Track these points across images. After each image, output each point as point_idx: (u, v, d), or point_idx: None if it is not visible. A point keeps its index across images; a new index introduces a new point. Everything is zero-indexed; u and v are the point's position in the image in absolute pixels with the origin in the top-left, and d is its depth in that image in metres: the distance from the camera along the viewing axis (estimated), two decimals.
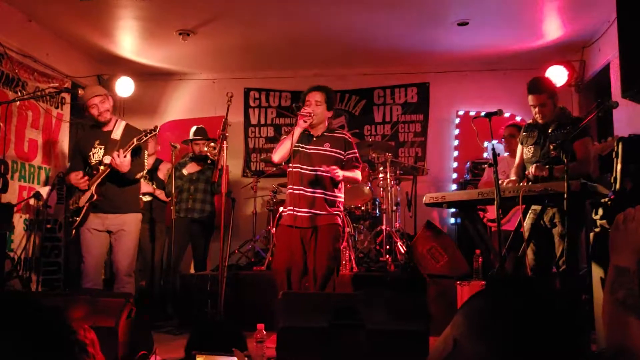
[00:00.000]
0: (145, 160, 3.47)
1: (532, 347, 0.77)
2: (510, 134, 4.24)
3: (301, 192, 3.17)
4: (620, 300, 0.99)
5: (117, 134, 3.38)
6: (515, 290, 0.85)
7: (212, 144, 4.41)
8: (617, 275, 1.03)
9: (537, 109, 3.15)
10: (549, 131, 3.15)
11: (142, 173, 3.44)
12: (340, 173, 3.11)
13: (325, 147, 3.20)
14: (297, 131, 3.16)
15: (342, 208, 3.29)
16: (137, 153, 3.32)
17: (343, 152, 3.23)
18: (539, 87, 3.15)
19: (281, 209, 4.00)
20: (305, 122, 3.13)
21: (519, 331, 0.78)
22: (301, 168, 3.19)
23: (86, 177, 3.31)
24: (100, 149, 3.37)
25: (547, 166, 2.97)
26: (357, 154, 3.31)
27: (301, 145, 3.21)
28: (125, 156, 3.18)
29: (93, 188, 3.30)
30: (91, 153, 3.38)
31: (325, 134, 3.25)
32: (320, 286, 3.07)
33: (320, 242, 3.10)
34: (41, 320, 1.58)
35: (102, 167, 3.30)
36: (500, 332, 0.79)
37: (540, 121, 3.18)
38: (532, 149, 3.21)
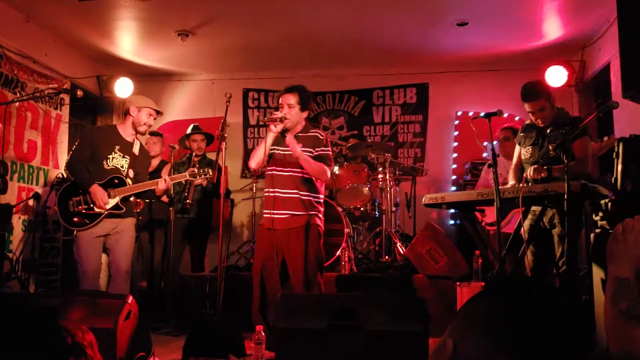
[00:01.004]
0: None
1: (534, 350, 0.76)
2: (505, 137, 4.22)
3: (276, 194, 3.15)
4: (624, 311, 0.98)
5: (136, 150, 3.43)
6: (516, 291, 0.84)
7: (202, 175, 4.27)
8: (618, 286, 1.02)
9: (536, 114, 3.11)
10: (547, 131, 3.14)
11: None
12: (298, 148, 3.03)
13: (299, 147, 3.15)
14: (271, 137, 3.12)
15: (321, 208, 3.21)
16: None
17: (313, 150, 3.14)
18: (535, 92, 3.10)
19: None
20: (275, 127, 3.09)
21: (521, 334, 0.77)
22: (276, 170, 3.17)
23: (109, 201, 3.26)
24: (121, 156, 3.35)
25: (545, 167, 2.96)
26: (329, 153, 3.19)
27: (276, 147, 3.20)
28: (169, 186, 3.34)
29: (119, 198, 3.27)
30: (110, 156, 3.34)
31: (300, 134, 3.19)
32: (302, 290, 3.03)
33: (298, 244, 3.06)
34: (39, 322, 1.57)
35: (129, 181, 3.31)
36: (501, 335, 0.78)
37: (541, 125, 3.14)
38: (531, 149, 3.18)
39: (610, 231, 2.47)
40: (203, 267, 4.61)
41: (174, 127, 5.73)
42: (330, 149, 3.23)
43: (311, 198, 3.15)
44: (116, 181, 3.29)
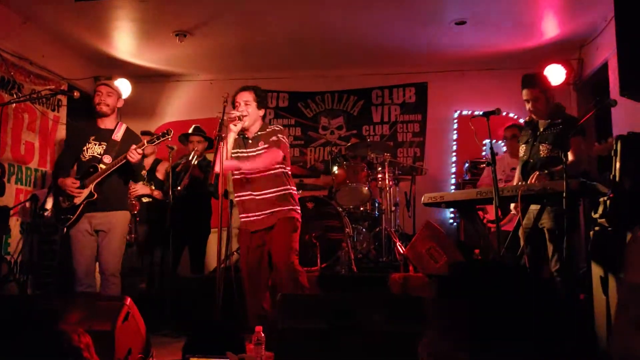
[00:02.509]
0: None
1: (499, 337, 0.75)
2: (513, 135, 4.25)
3: (250, 196, 3.14)
4: (634, 320, 0.96)
5: (118, 136, 3.35)
6: (473, 281, 0.82)
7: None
8: (631, 293, 1.00)
9: (530, 104, 3.16)
10: (541, 130, 3.16)
11: (144, 172, 3.44)
12: (250, 164, 3.03)
13: (260, 146, 3.16)
14: (231, 137, 3.09)
15: (295, 200, 3.23)
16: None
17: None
18: (532, 81, 3.17)
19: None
20: (235, 125, 3.05)
21: (481, 322, 0.76)
22: (245, 173, 3.16)
23: (78, 183, 3.24)
24: (96, 144, 3.31)
25: (546, 171, 2.96)
26: (282, 139, 3.13)
27: (239, 150, 3.20)
28: (140, 152, 3.18)
29: (92, 186, 3.21)
30: (85, 148, 3.30)
31: (259, 133, 3.20)
32: (285, 281, 3.04)
33: (278, 239, 3.08)
34: (36, 325, 1.56)
35: (101, 166, 3.23)
36: (462, 325, 0.77)
37: (533, 116, 3.19)
38: (524, 148, 3.22)
39: (609, 229, 2.46)
40: (202, 268, 4.60)
41: (172, 128, 5.68)
42: (285, 137, 3.20)
43: (285, 192, 3.16)
44: (91, 170, 3.24)
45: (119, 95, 3.42)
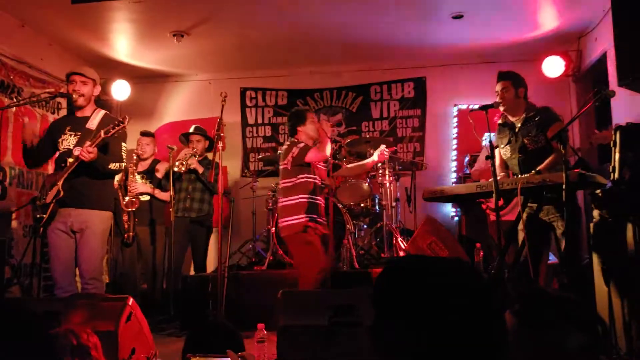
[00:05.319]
0: (124, 152, 3.17)
1: (443, 333, 0.74)
2: None
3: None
4: None
5: (93, 124, 3.10)
6: (411, 273, 0.82)
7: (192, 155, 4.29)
8: None
9: (499, 94, 3.20)
10: (519, 126, 3.17)
11: (117, 165, 3.10)
12: None
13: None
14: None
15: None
16: (110, 144, 3.06)
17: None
18: (505, 74, 3.25)
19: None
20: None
21: (425, 315, 0.76)
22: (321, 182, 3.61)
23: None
24: (71, 135, 3.11)
25: (534, 172, 3.00)
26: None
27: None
28: (91, 151, 2.91)
29: (60, 183, 2.97)
30: (60, 139, 3.12)
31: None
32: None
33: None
34: (40, 326, 1.57)
35: (70, 160, 3.00)
36: (406, 317, 0.76)
37: (501, 108, 3.20)
38: (509, 148, 3.22)
39: (609, 220, 2.46)
40: (205, 267, 4.61)
41: (172, 129, 5.72)
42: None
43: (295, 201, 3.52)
44: (63, 165, 3.02)
45: (94, 83, 3.18)
